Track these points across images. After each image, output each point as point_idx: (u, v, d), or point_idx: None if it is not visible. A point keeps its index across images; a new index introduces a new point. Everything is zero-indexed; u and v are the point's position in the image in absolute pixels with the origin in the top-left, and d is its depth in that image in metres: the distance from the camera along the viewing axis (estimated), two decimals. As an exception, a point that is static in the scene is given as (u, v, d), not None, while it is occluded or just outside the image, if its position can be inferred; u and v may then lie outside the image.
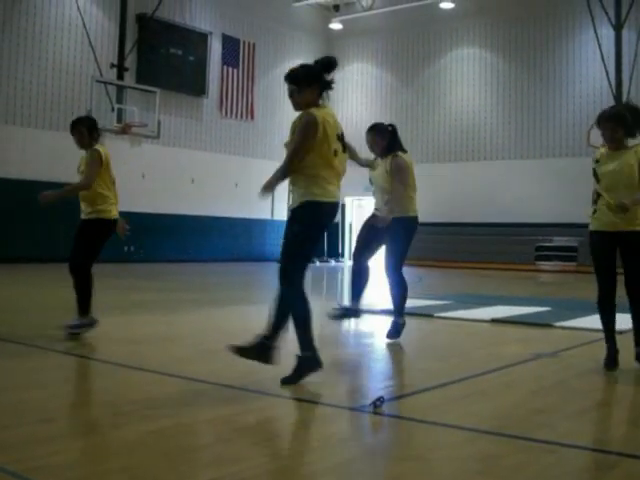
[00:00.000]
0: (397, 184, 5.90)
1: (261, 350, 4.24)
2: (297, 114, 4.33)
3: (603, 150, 4.79)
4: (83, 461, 2.86)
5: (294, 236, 4.25)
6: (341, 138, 4.34)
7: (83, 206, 5.90)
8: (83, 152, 5.96)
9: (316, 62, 4.38)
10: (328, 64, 4.34)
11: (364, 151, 6.16)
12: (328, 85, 4.36)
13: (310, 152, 4.18)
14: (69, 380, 4.60)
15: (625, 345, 4.79)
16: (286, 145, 4.30)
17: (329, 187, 4.24)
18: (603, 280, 4.73)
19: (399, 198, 5.89)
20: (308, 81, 4.29)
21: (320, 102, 4.33)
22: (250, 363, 4.25)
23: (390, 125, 6.17)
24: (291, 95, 4.34)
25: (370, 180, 6.28)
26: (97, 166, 5.77)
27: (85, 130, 5.89)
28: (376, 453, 3.04)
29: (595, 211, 4.75)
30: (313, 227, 4.29)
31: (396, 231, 5.89)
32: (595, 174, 4.76)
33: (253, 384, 4.07)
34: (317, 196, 4.19)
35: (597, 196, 4.74)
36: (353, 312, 6.18)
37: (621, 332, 5.06)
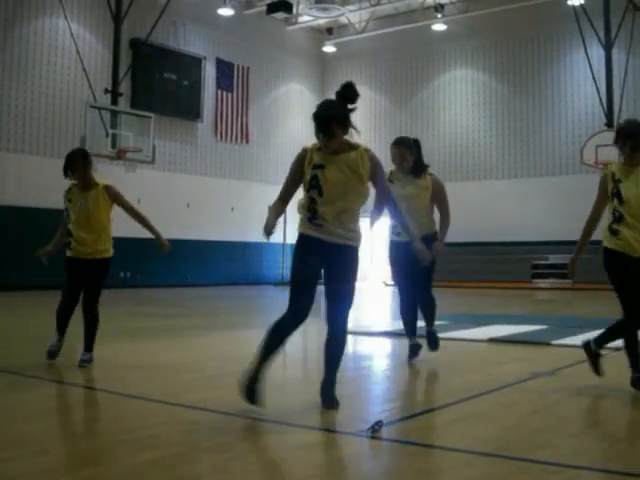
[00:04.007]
0: (447, 206, 5.82)
1: None
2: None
3: (615, 165, 4.61)
4: (80, 492, 2.83)
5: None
6: None
7: (98, 241, 5.84)
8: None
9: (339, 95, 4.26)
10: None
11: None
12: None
13: None
14: (67, 410, 4.55)
15: (623, 363, 4.77)
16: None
17: None
18: (635, 302, 4.50)
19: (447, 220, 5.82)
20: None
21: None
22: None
23: (415, 140, 5.93)
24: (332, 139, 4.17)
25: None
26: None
27: (81, 163, 5.87)
28: (376, 479, 3.02)
29: (617, 232, 4.49)
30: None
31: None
32: (618, 194, 4.48)
33: (252, 412, 4.04)
34: None
35: (619, 214, 4.50)
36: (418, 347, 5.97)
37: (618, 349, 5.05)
